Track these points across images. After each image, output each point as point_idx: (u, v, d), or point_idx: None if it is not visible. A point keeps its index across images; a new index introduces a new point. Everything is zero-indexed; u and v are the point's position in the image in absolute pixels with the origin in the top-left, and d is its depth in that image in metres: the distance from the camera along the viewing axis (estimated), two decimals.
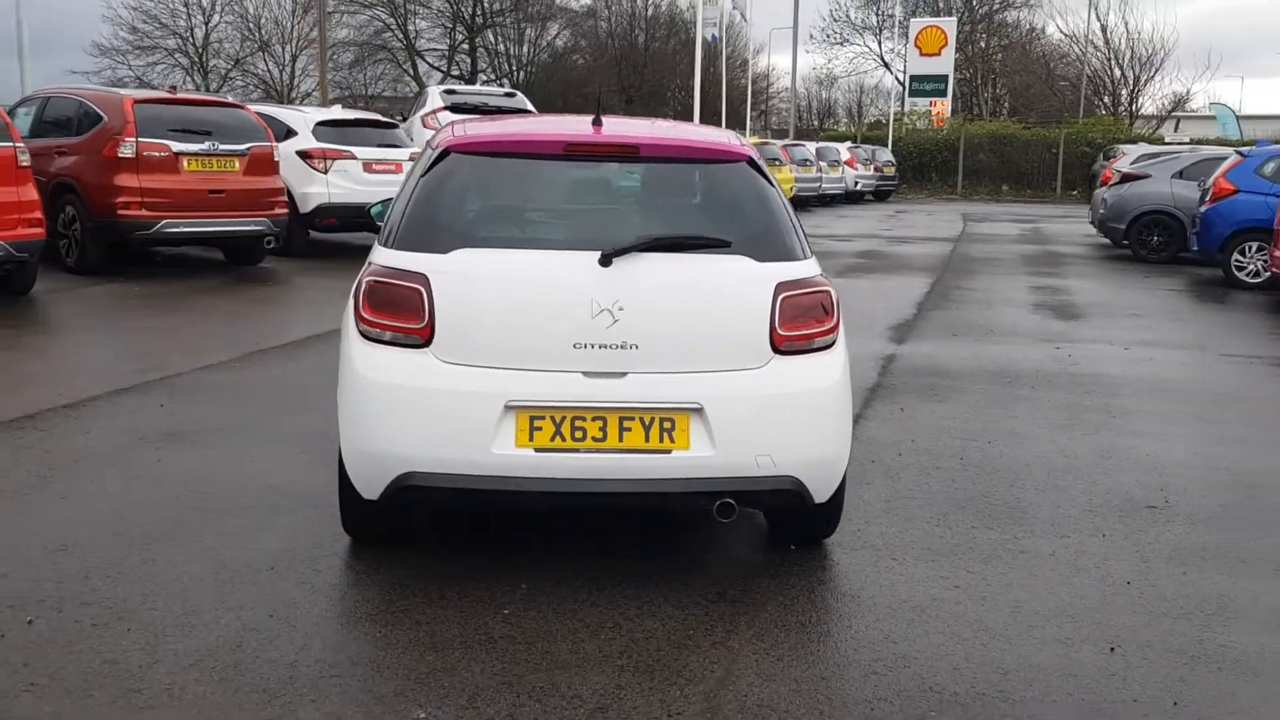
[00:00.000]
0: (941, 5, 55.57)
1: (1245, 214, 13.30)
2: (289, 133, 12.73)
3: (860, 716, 3.14)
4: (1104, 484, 5.30)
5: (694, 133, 4.45)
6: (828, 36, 60.34)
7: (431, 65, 52.53)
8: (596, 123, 4.25)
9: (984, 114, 51.62)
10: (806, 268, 3.99)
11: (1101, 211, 16.98)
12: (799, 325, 3.88)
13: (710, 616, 3.74)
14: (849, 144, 32.88)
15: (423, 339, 3.76)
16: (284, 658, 3.35)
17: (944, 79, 50.93)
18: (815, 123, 56.26)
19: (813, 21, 69.29)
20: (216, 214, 10.86)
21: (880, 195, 33.77)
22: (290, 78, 50.05)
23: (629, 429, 3.72)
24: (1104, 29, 50.74)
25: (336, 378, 3.97)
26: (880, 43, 62.40)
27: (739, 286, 3.86)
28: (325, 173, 12.60)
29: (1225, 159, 15.27)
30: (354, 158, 12.80)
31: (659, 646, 3.51)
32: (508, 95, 16.40)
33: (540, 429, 3.71)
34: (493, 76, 53.35)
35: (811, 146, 28.73)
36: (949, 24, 52.19)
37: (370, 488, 3.87)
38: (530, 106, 16.66)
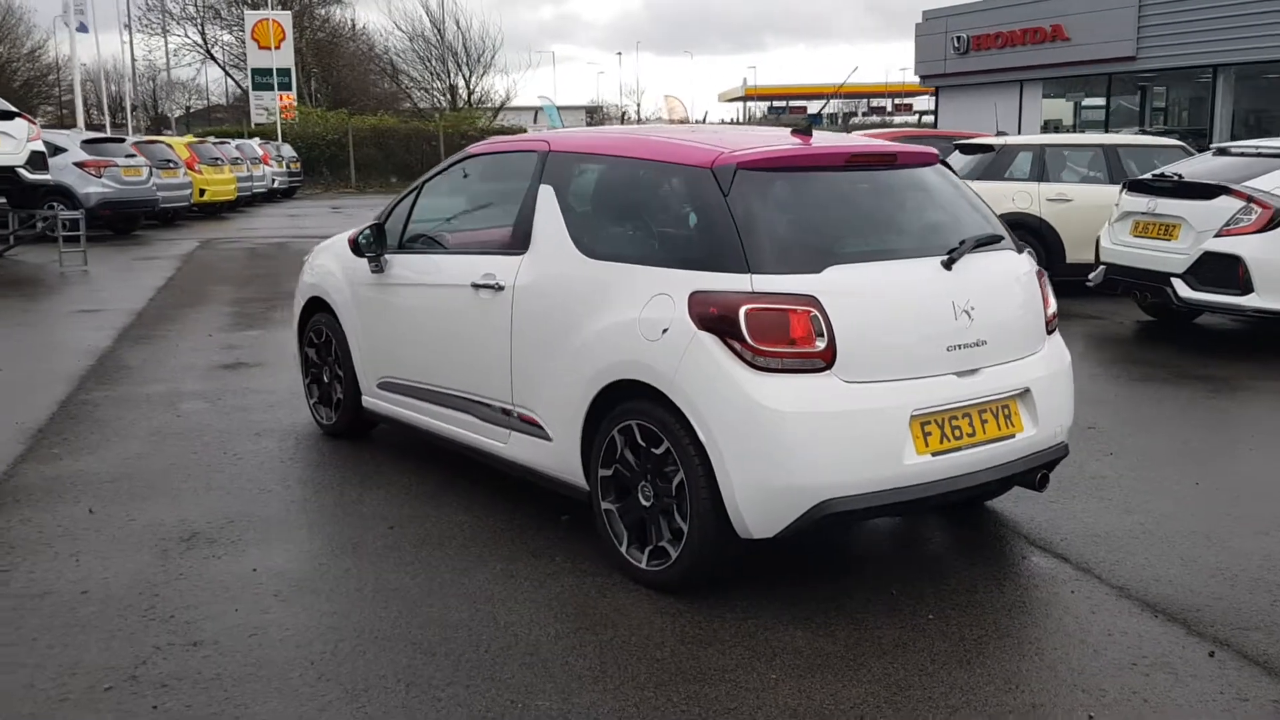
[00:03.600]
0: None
1: None
2: None
3: None
4: None
5: (889, 142, 4.65)
6: (145, 26, 56.57)
7: None
8: (803, 133, 4.31)
9: (309, 105, 51.51)
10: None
11: None
12: (1050, 306, 4.38)
13: (1048, 575, 4.14)
14: (258, 140, 31.43)
15: (825, 361, 3.65)
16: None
17: (287, 72, 50.46)
18: (107, 118, 52.24)
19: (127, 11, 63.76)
20: None
21: (288, 192, 32.88)
22: None
23: (985, 420, 3.97)
24: (438, 27, 53.96)
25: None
26: (204, 34, 59.74)
27: (1025, 277, 4.27)
28: None
29: None
30: None
31: (1073, 621, 3.84)
32: None
33: (930, 434, 3.81)
34: None
35: (234, 143, 27.10)
36: (285, 17, 51.60)
37: (770, 525, 3.66)
38: (10, 106, 13.90)
